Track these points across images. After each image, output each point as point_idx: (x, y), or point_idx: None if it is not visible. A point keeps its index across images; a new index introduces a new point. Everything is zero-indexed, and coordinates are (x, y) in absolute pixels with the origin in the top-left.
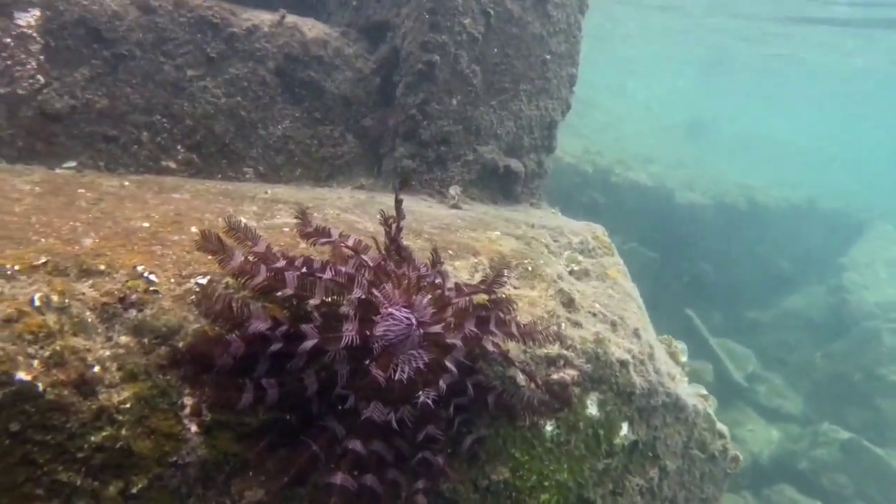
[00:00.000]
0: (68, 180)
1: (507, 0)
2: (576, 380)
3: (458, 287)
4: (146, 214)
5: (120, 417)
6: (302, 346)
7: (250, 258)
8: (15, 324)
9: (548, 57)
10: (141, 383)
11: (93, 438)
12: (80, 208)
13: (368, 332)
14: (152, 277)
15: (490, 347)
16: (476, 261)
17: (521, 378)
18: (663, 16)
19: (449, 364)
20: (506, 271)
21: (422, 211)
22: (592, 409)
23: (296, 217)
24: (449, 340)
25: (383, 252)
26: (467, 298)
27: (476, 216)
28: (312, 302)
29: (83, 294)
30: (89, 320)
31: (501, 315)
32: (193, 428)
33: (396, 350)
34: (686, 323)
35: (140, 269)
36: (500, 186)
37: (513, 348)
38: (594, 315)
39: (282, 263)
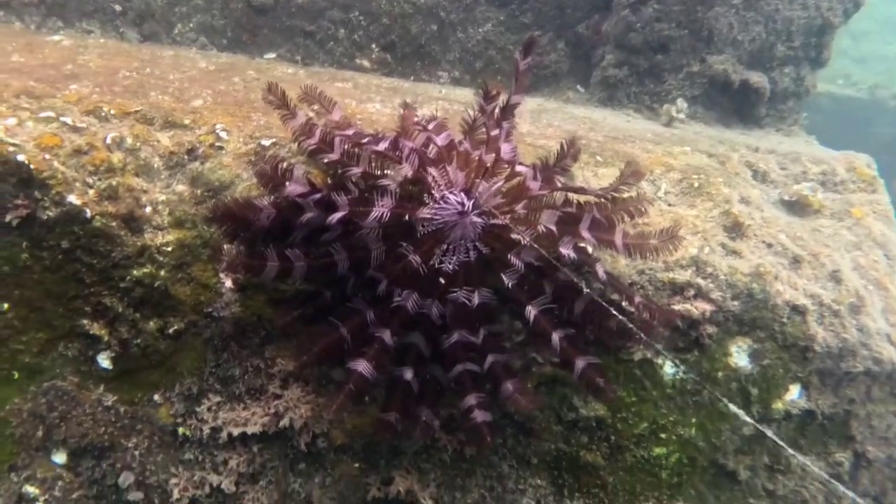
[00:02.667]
0: (249, 65)
1: None
2: (708, 316)
3: (548, 179)
4: None
5: (161, 259)
6: (331, 217)
7: (320, 123)
8: (83, 155)
9: None
10: (186, 231)
11: (134, 272)
12: (229, 82)
13: (409, 214)
14: (223, 135)
15: (564, 251)
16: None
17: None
18: None
19: (514, 259)
20: (634, 176)
21: (609, 122)
22: (740, 360)
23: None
24: (514, 236)
25: (467, 132)
26: (559, 194)
27: (679, 134)
28: (354, 170)
29: (158, 141)
30: (155, 165)
31: (603, 219)
32: (228, 283)
33: (445, 238)
34: None
35: (219, 127)
36: (736, 106)
37: (622, 266)
38: (769, 246)
39: (349, 132)
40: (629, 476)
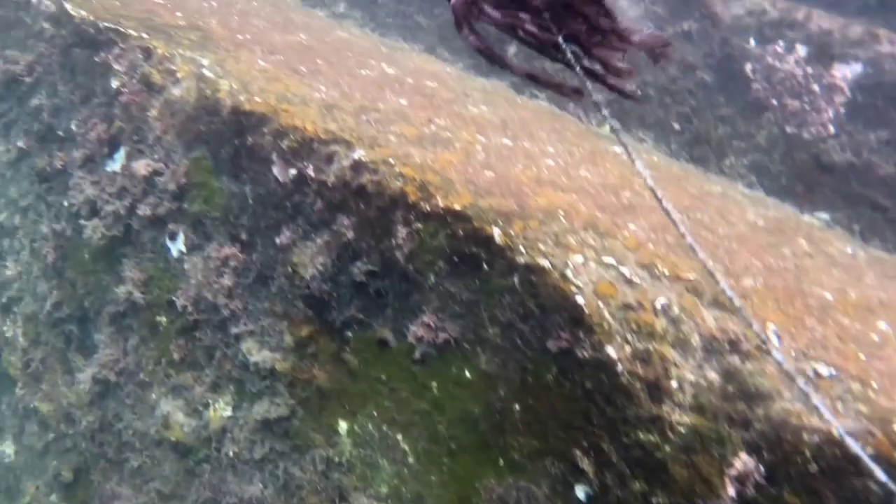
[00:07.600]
0: (798, 228)
1: None
2: None
3: None
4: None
5: (671, 435)
6: None
7: None
8: (630, 311)
9: None
10: (705, 420)
11: (640, 435)
12: (778, 254)
13: None
14: (775, 339)
15: None
16: None
17: None
18: None
19: None
20: None
21: None
22: None
23: None
24: None
25: None
26: None
27: None
28: None
29: (703, 320)
30: (693, 342)
31: None
32: (731, 492)
33: None
34: None
35: (771, 327)
36: None
37: None
38: None
39: None
40: None
